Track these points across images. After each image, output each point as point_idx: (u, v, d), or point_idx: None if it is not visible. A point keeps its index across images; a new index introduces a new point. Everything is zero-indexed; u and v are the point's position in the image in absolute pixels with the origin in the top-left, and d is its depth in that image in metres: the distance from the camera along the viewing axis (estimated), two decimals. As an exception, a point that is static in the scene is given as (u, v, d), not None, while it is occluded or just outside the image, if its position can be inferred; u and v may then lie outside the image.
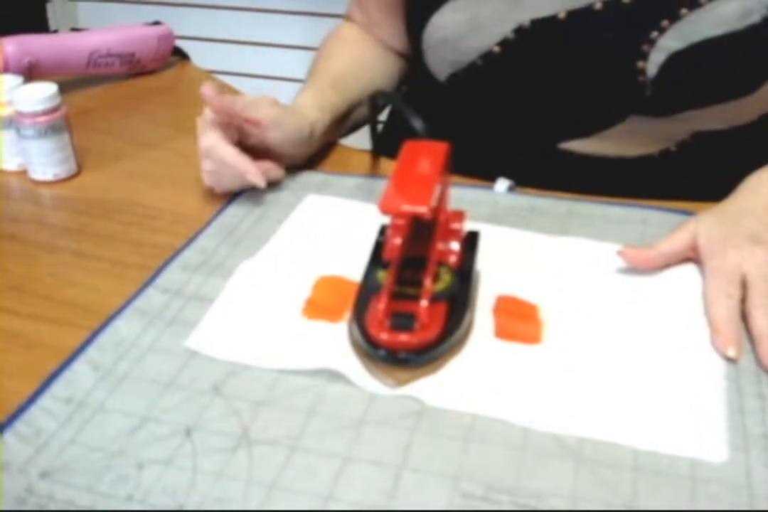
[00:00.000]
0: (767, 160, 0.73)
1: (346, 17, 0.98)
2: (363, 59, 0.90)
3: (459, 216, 0.62)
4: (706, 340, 0.57)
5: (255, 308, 0.61)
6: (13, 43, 0.94)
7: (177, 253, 0.68)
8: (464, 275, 0.60)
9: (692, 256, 0.65)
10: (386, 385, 0.53)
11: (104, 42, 1.01)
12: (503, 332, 0.58)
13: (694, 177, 0.82)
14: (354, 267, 0.62)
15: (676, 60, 0.72)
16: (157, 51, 1.07)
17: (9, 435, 0.50)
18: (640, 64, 0.73)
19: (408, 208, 0.51)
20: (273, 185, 0.77)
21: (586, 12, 0.73)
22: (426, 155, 0.56)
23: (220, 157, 0.71)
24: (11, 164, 0.83)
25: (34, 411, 0.51)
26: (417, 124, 0.64)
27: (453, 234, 0.61)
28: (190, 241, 0.69)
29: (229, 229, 0.71)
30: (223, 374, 0.55)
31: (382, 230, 0.64)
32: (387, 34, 0.93)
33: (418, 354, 0.54)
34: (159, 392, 0.53)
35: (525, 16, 0.75)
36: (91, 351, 0.57)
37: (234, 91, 1.01)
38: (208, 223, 0.72)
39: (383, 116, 0.98)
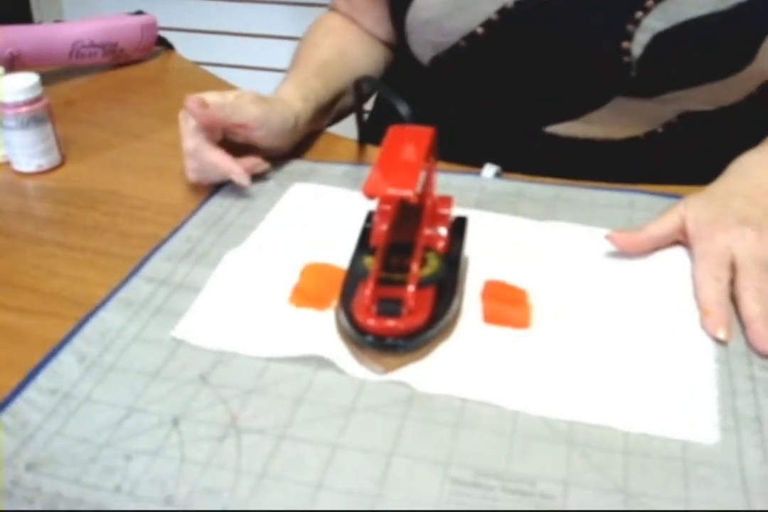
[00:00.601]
0: (754, 142, 0.73)
1: (330, 7, 0.97)
2: (347, 48, 0.90)
3: (446, 201, 0.62)
4: (696, 323, 0.57)
5: (242, 296, 0.60)
6: (-5, 34, 0.93)
7: (162, 242, 0.67)
8: (452, 260, 0.60)
9: (681, 239, 0.65)
10: (375, 372, 0.53)
11: (87, 32, 1.00)
12: (492, 317, 0.58)
13: (681, 159, 0.82)
14: (341, 254, 0.61)
15: (660, 40, 0.71)
16: (141, 41, 1.06)
17: (-6, 428, 0.49)
18: (625, 44, 0.72)
19: (393, 191, 0.50)
20: (259, 175, 0.76)
21: None
22: (411, 140, 0.56)
23: (204, 159, 0.71)
24: (-5, 156, 0.82)
25: (19, 404, 0.51)
26: (402, 108, 0.64)
27: (440, 219, 0.61)
28: (176, 230, 0.69)
29: (215, 218, 0.70)
30: (211, 363, 0.54)
31: (369, 217, 0.64)
32: (371, 20, 0.92)
33: (406, 340, 0.53)
34: (145, 382, 0.53)
35: None
36: (77, 342, 0.56)
37: (220, 84, 1.01)
38: (194, 213, 0.71)
39: (369, 105, 0.98)
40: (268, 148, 0.76)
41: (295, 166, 0.79)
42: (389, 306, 0.53)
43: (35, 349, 0.56)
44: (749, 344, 0.55)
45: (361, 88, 0.78)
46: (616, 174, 0.76)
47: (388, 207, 0.59)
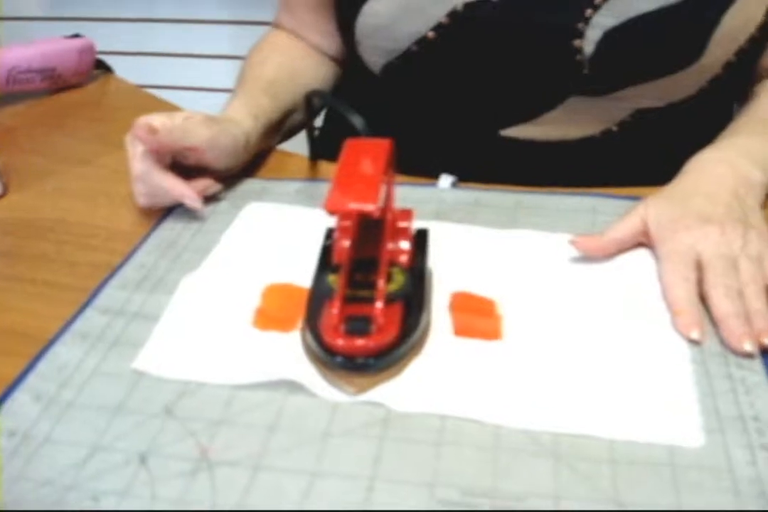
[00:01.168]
0: (708, 139, 0.73)
1: (274, 24, 0.96)
2: (295, 65, 0.88)
3: (406, 214, 0.61)
4: (668, 325, 0.56)
5: (203, 323, 0.58)
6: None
7: (114, 271, 0.64)
8: (417, 274, 0.58)
9: (644, 241, 0.64)
10: (347, 393, 0.51)
11: (23, 57, 0.97)
12: (462, 329, 0.56)
13: (639, 158, 0.82)
14: (302, 274, 0.60)
15: (611, 37, 0.71)
16: (79, 64, 1.03)
17: (-51, 476, 0.46)
18: (577, 42, 0.72)
19: (355, 206, 0.49)
20: (211, 196, 0.74)
21: None
22: (368, 153, 0.54)
23: (154, 183, 0.69)
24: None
25: (-26, 448, 0.48)
26: (356, 121, 0.62)
27: (402, 233, 0.60)
28: (128, 257, 0.66)
29: (168, 243, 0.68)
30: (175, 394, 0.52)
31: (329, 234, 0.62)
32: (318, 35, 0.91)
33: (376, 359, 0.52)
34: (108, 418, 0.50)
35: None
36: (32, 380, 0.53)
37: (161, 104, 0.99)
38: (145, 238, 0.69)
39: (318, 121, 0.96)
40: (219, 169, 0.74)
41: (247, 185, 0.77)
42: (358, 325, 0.51)
43: (-12, 389, 0.53)
44: (724, 343, 0.55)
45: (312, 102, 0.77)
46: (575, 176, 0.75)
47: (348, 223, 0.58)
